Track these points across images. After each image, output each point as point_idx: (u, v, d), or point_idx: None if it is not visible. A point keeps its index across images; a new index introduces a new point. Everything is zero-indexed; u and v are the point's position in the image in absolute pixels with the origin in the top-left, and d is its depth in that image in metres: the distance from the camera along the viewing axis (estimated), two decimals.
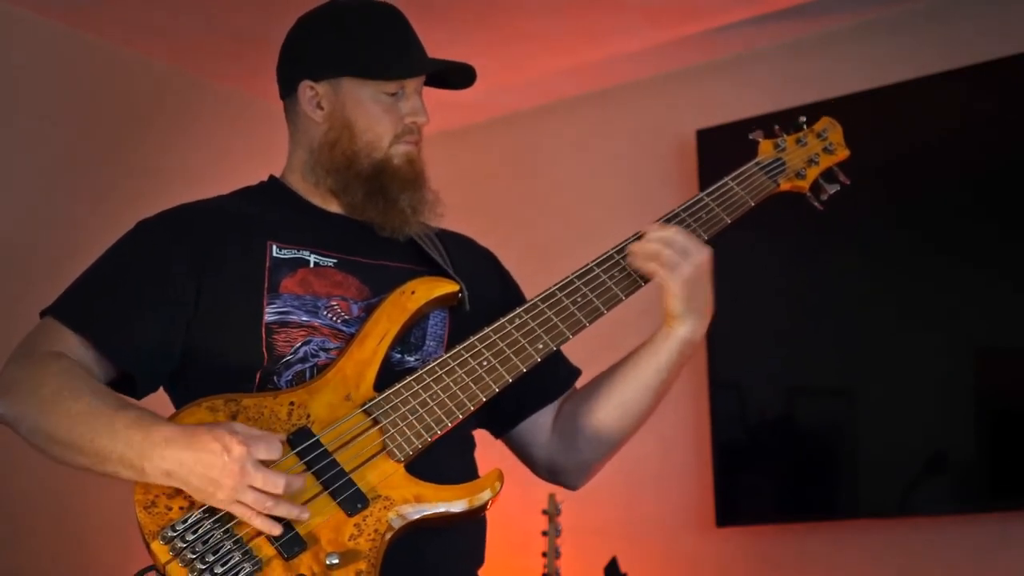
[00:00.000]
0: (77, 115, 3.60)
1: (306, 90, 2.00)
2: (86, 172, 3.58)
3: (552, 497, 3.49)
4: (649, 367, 1.98)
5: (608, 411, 2.01)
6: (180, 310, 1.88)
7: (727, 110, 3.69)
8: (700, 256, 1.92)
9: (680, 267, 1.90)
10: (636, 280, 1.94)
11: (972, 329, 3.29)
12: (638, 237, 1.95)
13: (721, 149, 3.63)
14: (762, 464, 3.61)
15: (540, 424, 2.07)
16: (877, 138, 3.45)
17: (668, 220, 1.97)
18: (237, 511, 1.66)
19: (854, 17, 3.62)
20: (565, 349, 2.01)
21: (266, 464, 1.66)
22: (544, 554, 3.47)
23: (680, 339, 1.95)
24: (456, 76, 2.09)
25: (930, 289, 3.36)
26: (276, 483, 1.64)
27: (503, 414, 2.05)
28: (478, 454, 2.01)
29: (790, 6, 3.54)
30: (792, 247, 3.56)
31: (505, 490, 1.86)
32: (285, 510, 1.67)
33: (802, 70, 3.70)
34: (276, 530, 1.67)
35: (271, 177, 2.09)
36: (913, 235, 3.40)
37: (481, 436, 2.07)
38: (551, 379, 2.07)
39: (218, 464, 1.64)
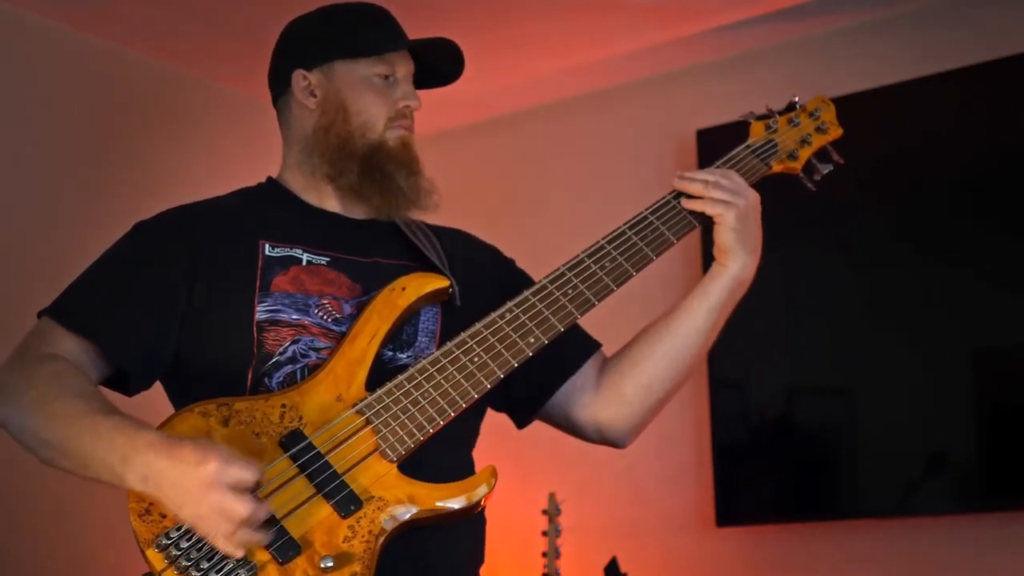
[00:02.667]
0: (77, 115, 3.60)
1: (299, 79, 2.02)
2: (86, 172, 3.58)
3: (552, 497, 3.49)
4: (701, 308, 1.99)
5: (658, 360, 2.01)
6: (174, 310, 1.89)
7: (727, 110, 3.68)
8: (752, 192, 1.97)
9: (735, 200, 1.94)
10: (627, 271, 1.94)
11: (971, 329, 3.28)
12: (620, 231, 1.97)
13: (721, 149, 3.61)
14: (762, 464, 3.61)
15: (579, 388, 2.06)
16: (876, 138, 3.44)
17: (721, 165, 2.03)
18: (200, 527, 1.65)
19: (854, 17, 3.62)
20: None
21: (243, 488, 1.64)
22: (544, 554, 3.47)
23: (732, 276, 1.97)
24: (446, 68, 2.11)
25: (930, 289, 3.35)
26: (242, 506, 1.62)
27: (526, 398, 2.05)
28: (476, 451, 2.01)
29: (790, 6, 3.54)
30: (792, 247, 3.55)
31: (505, 490, 1.86)
32: (245, 537, 1.64)
33: (802, 70, 3.70)
34: (237, 554, 1.65)
35: (269, 179, 2.10)
36: (912, 235, 3.40)
37: (482, 433, 2.07)
38: (567, 355, 2.05)
39: (189, 475, 1.63)
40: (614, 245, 1.96)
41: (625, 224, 1.98)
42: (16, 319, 2.16)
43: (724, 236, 1.95)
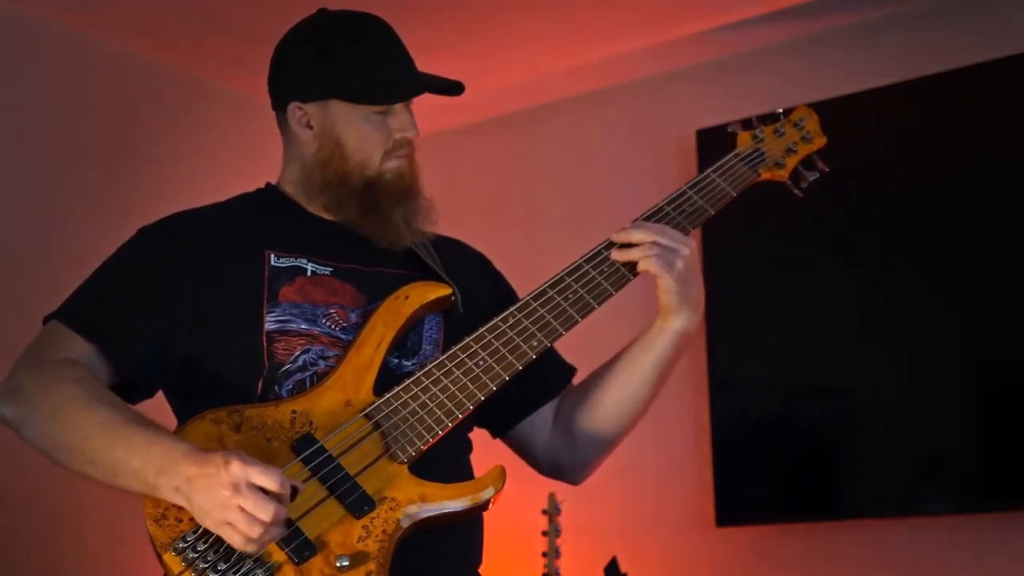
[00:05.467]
0: (77, 115, 3.59)
1: (295, 111, 2.01)
2: (85, 172, 3.58)
3: (552, 497, 3.49)
4: (645, 362, 2.00)
5: (606, 408, 2.03)
6: (180, 318, 1.89)
7: (727, 110, 3.68)
8: (688, 249, 1.94)
9: (673, 262, 1.92)
10: (625, 274, 1.95)
11: (971, 329, 3.29)
12: (599, 249, 1.97)
13: (721, 149, 3.62)
14: (762, 464, 3.61)
15: (540, 422, 2.09)
16: (876, 138, 3.45)
17: (652, 215, 2.00)
18: (227, 534, 1.66)
19: (854, 17, 3.62)
20: (562, 347, 2.04)
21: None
22: (544, 554, 3.47)
23: (675, 332, 1.97)
24: (445, 89, 2.08)
25: (929, 289, 3.36)
26: (266, 509, 1.64)
27: (502, 414, 2.07)
28: (477, 455, 2.02)
29: (789, 6, 3.55)
30: (792, 248, 3.56)
31: (506, 490, 1.87)
32: (273, 535, 1.67)
33: (802, 70, 3.70)
34: (252, 549, 1.67)
35: (268, 184, 2.10)
36: (912, 235, 3.40)
37: (481, 437, 2.08)
38: (547, 378, 2.09)
39: (215, 480, 1.65)
40: (596, 261, 1.97)
41: (597, 247, 1.98)
42: (16, 319, 2.16)
43: (665, 299, 1.95)
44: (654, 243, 1.92)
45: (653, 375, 2.01)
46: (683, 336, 1.98)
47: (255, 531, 1.64)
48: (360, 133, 1.98)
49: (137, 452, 1.71)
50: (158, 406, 1.96)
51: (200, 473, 1.66)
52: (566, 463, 2.09)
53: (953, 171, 3.39)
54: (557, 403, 2.10)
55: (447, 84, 2.04)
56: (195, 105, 3.87)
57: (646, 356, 2.00)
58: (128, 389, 1.89)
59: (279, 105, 2.05)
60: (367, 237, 2.00)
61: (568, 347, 2.10)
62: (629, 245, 1.95)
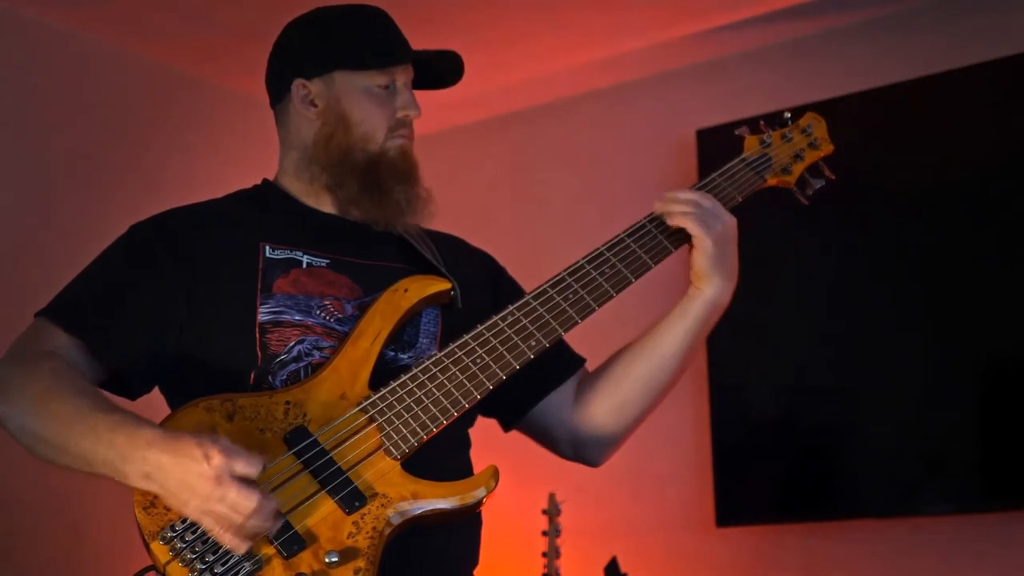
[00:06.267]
0: (77, 115, 3.60)
1: (299, 88, 2.02)
2: (86, 172, 3.59)
3: (552, 497, 3.49)
4: (676, 332, 1.99)
5: (633, 381, 2.02)
6: (173, 313, 1.89)
7: (727, 110, 3.69)
8: (729, 217, 1.97)
9: (712, 224, 1.94)
10: (627, 276, 1.95)
11: (972, 328, 3.29)
12: (620, 238, 1.98)
13: (721, 149, 3.60)
14: (762, 464, 3.61)
15: (557, 403, 2.07)
16: (876, 138, 3.45)
17: (698, 188, 2.02)
18: (207, 523, 1.65)
19: (854, 17, 3.62)
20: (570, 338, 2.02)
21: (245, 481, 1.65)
22: (544, 554, 3.47)
23: (707, 300, 1.97)
24: (445, 72, 2.12)
25: (930, 289, 3.35)
26: (249, 499, 1.63)
27: (511, 403, 2.06)
28: (476, 452, 2.02)
29: (790, 6, 3.55)
30: (792, 247, 3.55)
31: (505, 490, 1.86)
32: (256, 528, 1.66)
33: (802, 70, 3.70)
34: (241, 549, 1.66)
35: (264, 180, 2.10)
36: (913, 235, 3.40)
37: (479, 434, 2.08)
38: (555, 366, 2.07)
39: (195, 471, 1.63)
40: (613, 252, 1.97)
41: (604, 245, 1.98)
42: (15, 319, 2.16)
43: (700, 261, 1.95)
44: (696, 202, 1.94)
45: (682, 347, 1.99)
46: (714, 305, 1.97)
47: (237, 520, 1.64)
48: (364, 107, 2.00)
49: (102, 441, 1.70)
50: (160, 400, 1.97)
51: (174, 462, 1.65)
52: (587, 442, 2.06)
53: (953, 171, 3.38)
54: (574, 385, 2.08)
55: (448, 56, 2.08)
56: (195, 105, 3.88)
57: (676, 327, 1.99)
58: (124, 385, 1.89)
59: (279, 92, 2.06)
60: (365, 218, 2.01)
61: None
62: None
